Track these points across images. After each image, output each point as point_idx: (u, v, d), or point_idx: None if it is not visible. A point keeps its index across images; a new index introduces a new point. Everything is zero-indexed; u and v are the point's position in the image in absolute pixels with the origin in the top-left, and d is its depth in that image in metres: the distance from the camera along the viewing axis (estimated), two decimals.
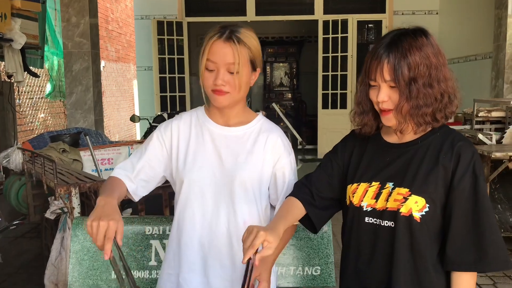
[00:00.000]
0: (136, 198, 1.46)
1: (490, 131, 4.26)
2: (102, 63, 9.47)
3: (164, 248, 2.01)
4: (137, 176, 1.44)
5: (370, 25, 8.97)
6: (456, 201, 1.21)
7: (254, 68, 1.41)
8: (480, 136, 3.91)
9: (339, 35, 8.36)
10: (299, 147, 10.10)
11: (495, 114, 4.26)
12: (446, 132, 1.28)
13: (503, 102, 4.12)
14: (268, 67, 13.24)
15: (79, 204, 2.29)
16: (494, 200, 4.14)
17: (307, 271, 2.01)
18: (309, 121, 11.11)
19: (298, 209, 1.38)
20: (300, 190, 1.41)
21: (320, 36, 8.46)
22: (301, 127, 11.16)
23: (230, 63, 1.33)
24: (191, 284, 1.43)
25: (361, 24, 8.64)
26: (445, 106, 1.22)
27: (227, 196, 1.42)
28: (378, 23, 8.71)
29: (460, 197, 1.20)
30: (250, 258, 1.12)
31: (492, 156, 3.52)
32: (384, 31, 8.61)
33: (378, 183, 1.28)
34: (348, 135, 1.45)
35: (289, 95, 13.22)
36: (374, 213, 1.27)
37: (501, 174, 4.04)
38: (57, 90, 7.45)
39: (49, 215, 2.62)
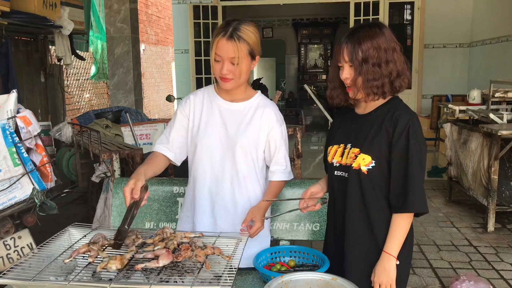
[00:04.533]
0: (178, 162, 1.88)
1: (506, 111, 4.39)
2: (142, 46, 9.99)
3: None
4: (172, 145, 1.85)
5: (402, 7, 8.97)
6: (394, 158, 1.55)
7: (253, 57, 1.74)
8: (491, 115, 4.07)
9: (370, 17, 8.46)
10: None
11: (511, 94, 4.38)
12: (394, 104, 1.61)
13: None
14: (302, 49, 13.39)
15: (119, 167, 2.72)
16: (507, 177, 4.31)
17: (308, 226, 2.36)
18: None
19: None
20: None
21: (352, 18, 8.59)
22: (334, 109, 11.31)
23: (232, 57, 1.68)
24: (202, 223, 1.83)
25: (392, 6, 8.70)
26: (392, 81, 1.55)
27: (231, 157, 1.79)
28: (411, 4, 8.73)
29: (396, 155, 1.54)
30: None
31: (499, 134, 3.70)
32: (416, 13, 8.68)
33: (343, 144, 1.65)
34: (335, 113, 1.81)
35: (323, 77, 13.33)
36: (340, 167, 1.64)
37: None
38: (101, 72, 8.02)
39: (94, 178, 3.08)
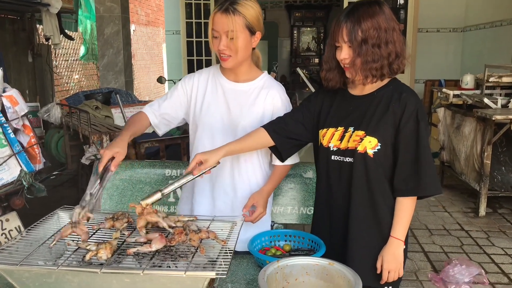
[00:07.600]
0: (159, 132, 1.83)
1: (500, 96, 4.38)
2: (132, 27, 9.80)
3: (181, 187, 2.36)
4: (161, 114, 1.79)
5: None
6: (401, 141, 1.49)
7: (253, 33, 1.67)
8: (486, 100, 4.06)
9: None
10: None
11: (505, 79, 4.35)
12: (397, 86, 1.55)
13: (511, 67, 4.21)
14: (295, 32, 13.26)
15: None
16: (499, 162, 4.32)
17: (302, 210, 2.33)
18: None
19: (262, 137, 1.64)
20: (270, 122, 1.68)
21: (345, 0, 8.49)
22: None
23: (227, 31, 1.61)
24: (201, 205, 1.80)
25: None
26: (391, 62, 1.48)
27: (232, 138, 1.72)
28: None
29: (404, 137, 1.49)
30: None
31: (493, 118, 3.69)
32: None
33: (343, 127, 1.57)
34: (319, 90, 1.73)
35: (316, 60, 13.24)
36: (338, 152, 1.57)
37: (508, 138, 4.21)
38: (90, 52, 7.87)
39: (84, 161, 3.01)
